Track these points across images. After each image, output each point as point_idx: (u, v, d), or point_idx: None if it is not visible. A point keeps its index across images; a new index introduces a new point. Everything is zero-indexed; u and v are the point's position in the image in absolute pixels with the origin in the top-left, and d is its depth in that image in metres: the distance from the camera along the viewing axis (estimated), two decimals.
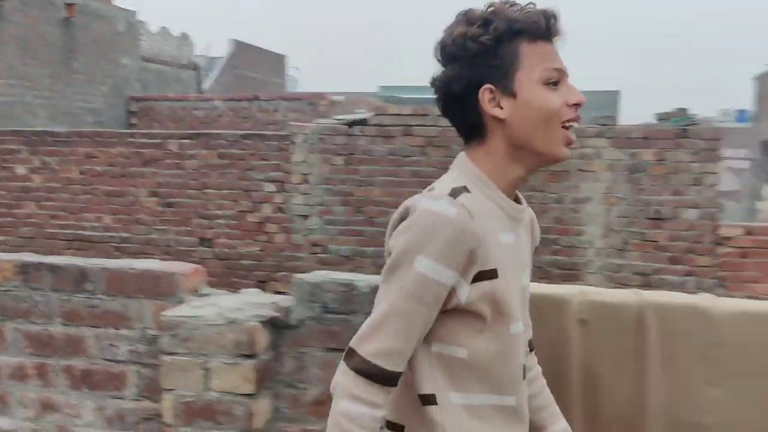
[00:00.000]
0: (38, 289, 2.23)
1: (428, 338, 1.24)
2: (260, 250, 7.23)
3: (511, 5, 1.25)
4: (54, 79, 10.04)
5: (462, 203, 1.19)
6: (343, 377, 1.19)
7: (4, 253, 2.33)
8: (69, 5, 10.19)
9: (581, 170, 6.35)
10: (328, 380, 1.24)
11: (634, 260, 6.41)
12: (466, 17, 1.26)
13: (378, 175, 6.80)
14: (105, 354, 2.19)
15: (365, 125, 6.83)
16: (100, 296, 2.18)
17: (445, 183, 1.26)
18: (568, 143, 1.25)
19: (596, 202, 6.39)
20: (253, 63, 22.73)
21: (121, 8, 11.75)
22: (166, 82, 12.76)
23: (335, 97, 10.63)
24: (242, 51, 22.00)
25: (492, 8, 1.25)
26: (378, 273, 1.32)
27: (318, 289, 1.97)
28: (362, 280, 1.97)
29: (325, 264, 7.00)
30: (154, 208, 7.50)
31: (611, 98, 24.99)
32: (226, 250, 7.34)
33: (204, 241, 7.37)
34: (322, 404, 1.94)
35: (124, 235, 7.58)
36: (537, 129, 1.23)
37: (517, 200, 1.31)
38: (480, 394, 1.26)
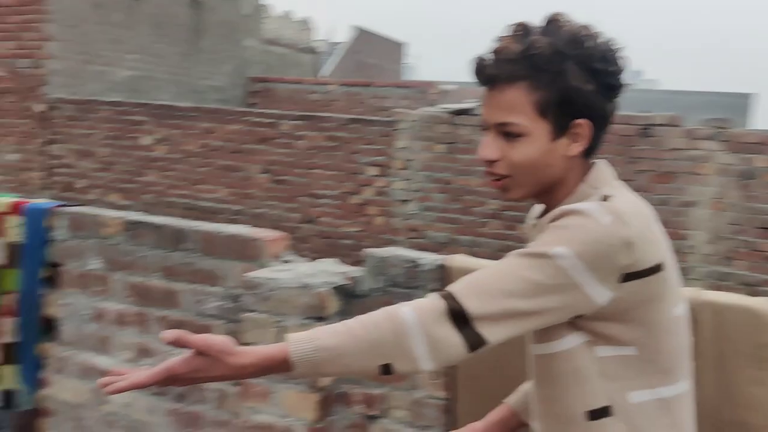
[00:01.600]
0: (142, 244, 2.48)
1: None
2: (360, 231, 7.46)
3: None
4: (182, 57, 10.66)
5: None
6: None
7: (113, 210, 2.60)
8: None
9: (689, 173, 6.17)
10: None
11: (741, 269, 6.17)
12: None
13: (478, 165, 6.85)
14: (196, 308, 2.42)
15: (469, 115, 6.89)
16: (195, 255, 2.40)
17: None
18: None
19: (703, 207, 6.18)
20: (373, 49, 23.08)
21: None
22: (286, 65, 13.23)
23: (446, 87, 10.70)
24: (363, 37, 22.38)
25: None
26: None
27: (385, 263, 2.10)
28: (426, 258, 2.09)
29: (421, 249, 7.13)
30: (265, 185, 7.87)
31: (741, 101, 23.66)
32: (328, 228, 7.61)
33: (309, 219, 7.68)
34: None
35: (236, 207, 8.00)
36: None
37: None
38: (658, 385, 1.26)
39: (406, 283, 2.09)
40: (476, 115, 6.88)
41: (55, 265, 2.65)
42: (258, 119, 7.90)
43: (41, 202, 2.74)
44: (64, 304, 2.64)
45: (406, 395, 2.11)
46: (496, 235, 6.87)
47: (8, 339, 2.72)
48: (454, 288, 1.17)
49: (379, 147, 7.30)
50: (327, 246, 7.55)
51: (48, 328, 2.68)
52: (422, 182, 7.14)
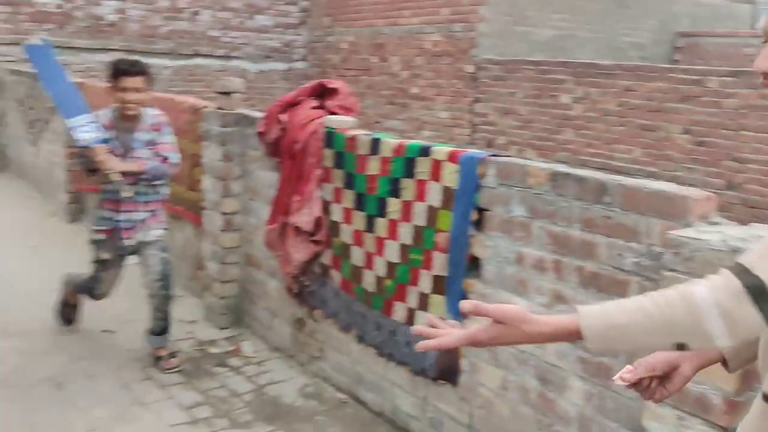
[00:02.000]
0: (564, 195, 2.56)
1: None
2: None
3: None
4: (605, 14, 10.51)
5: None
6: None
7: (540, 162, 2.72)
8: None
9: None
10: None
11: None
12: None
13: None
14: (613, 262, 2.43)
15: None
16: (615, 209, 2.40)
17: None
18: None
19: None
20: None
21: None
22: (718, 17, 12.13)
23: None
24: None
25: None
26: None
27: None
28: None
29: None
30: (685, 146, 7.42)
31: None
32: (756, 197, 6.89)
33: (732, 185, 7.04)
34: None
35: (651, 169, 7.71)
36: None
37: None
38: None
39: None
40: None
41: (482, 210, 2.89)
42: (683, 76, 7.44)
43: (475, 151, 3.00)
44: (489, 246, 2.87)
45: None
46: None
47: (440, 272, 3.07)
48: (748, 261, 1.11)
49: None
50: (752, 216, 6.84)
51: (473, 266, 2.96)
52: None
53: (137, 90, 3.74)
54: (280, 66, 12.25)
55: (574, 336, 1.21)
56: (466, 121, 9.82)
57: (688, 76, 7.36)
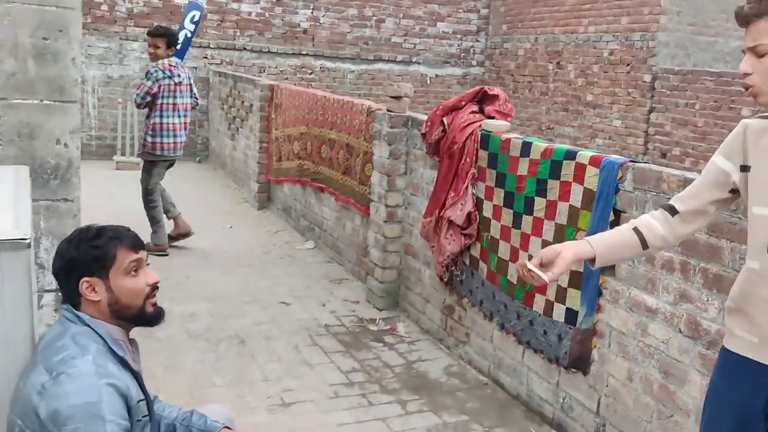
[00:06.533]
0: None
1: None
2: None
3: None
4: None
5: None
6: None
7: (674, 169, 2.89)
8: None
9: None
10: None
11: None
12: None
13: None
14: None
15: None
16: (740, 216, 2.54)
17: None
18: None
19: None
20: None
21: None
22: None
23: None
24: None
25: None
26: None
27: None
28: None
29: None
30: None
31: None
32: None
33: None
34: None
35: None
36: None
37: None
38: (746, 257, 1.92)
39: None
40: None
41: (619, 212, 3.10)
42: None
43: (614, 157, 3.20)
44: None
45: None
46: None
47: (577, 268, 3.31)
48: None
49: None
50: None
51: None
52: None
53: (155, 47, 5.74)
54: (457, 71, 12.68)
55: (587, 257, 2.00)
56: (641, 131, 9.70)
57: None
